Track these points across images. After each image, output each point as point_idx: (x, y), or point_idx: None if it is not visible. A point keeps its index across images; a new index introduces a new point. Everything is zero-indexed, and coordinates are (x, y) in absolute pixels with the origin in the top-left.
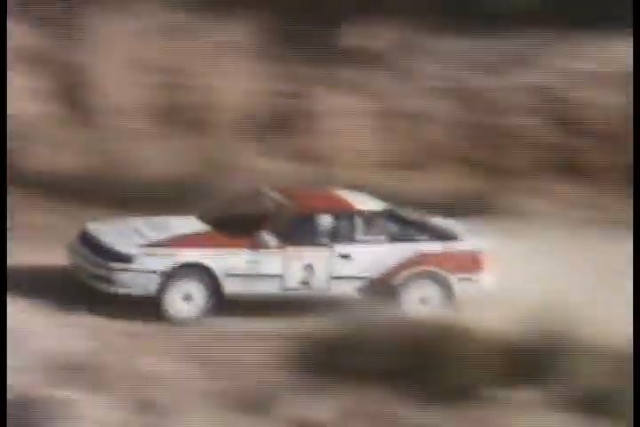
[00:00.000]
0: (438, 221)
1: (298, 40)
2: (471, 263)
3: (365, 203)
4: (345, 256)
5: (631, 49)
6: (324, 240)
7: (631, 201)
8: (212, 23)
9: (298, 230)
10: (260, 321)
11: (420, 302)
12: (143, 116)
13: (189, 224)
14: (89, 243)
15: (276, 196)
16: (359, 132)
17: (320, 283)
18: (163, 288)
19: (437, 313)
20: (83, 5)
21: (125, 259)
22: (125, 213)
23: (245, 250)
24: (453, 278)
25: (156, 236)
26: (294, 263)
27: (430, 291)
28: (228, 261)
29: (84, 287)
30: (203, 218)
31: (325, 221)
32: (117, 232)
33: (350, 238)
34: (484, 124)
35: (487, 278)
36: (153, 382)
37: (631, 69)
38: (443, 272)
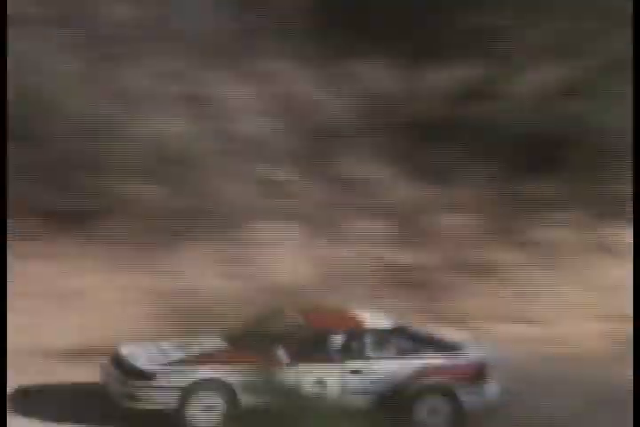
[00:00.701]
0: (446, 333)
1: None
2: (476, 374)
3: (378, 320)
4: (356, 372)
5: None
6: (336, 357)
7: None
8: None
9: (311, 348)
10: None
11: (429, 414)
12: None
13: (211, 343)
14: (118, 363)
15: (293, 314)
16: None
17: (333, 397)
18: (183, 403)
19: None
20: None
21: (148, 376)
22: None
23: (260, 366)
24: (460, 390)
25: (179, 355)
26: (306, 379)
27: (439, 403)
28: (243, 376)
29: (113, 405)
30: (224, 336)
31: (337, 339)
32: (145, 353)
33: (361, 355)
34: None
35: (491, 388)
36: None
37: None
38: (449, 384)
